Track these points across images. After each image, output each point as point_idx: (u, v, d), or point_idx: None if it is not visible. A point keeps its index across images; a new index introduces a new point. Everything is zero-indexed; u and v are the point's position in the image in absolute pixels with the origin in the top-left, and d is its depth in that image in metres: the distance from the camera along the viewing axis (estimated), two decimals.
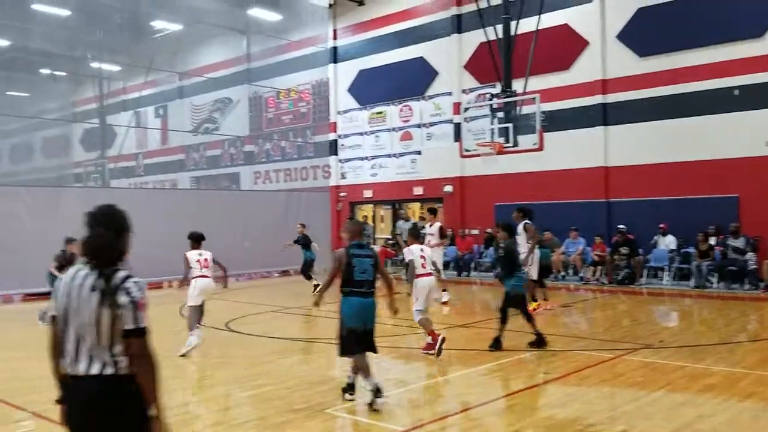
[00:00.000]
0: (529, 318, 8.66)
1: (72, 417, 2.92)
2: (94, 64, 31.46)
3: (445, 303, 12.99)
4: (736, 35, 15.43)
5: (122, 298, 2.87)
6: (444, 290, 13.17)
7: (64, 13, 24.58)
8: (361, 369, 6.26)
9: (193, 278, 8.98)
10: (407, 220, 20.61)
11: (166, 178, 30.42)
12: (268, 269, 20.62)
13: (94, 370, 2.84)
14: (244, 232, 19.76)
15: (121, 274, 2.93)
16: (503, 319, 8.59)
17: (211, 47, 28.36)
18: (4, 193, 16.67)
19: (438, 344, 8.10)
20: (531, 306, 10.20)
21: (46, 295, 15.51)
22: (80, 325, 2.87)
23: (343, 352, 6.36)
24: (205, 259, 9.06)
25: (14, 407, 6.42)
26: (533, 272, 11.54)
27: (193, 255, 9.03)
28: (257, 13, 24.50)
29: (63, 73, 32.08)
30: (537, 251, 11.77)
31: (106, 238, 2.97)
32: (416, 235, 8.96)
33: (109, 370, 2.85)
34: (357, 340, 6.23)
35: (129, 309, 2.87)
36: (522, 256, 10.43)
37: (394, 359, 8.58)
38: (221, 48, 28.05)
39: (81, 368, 2.86)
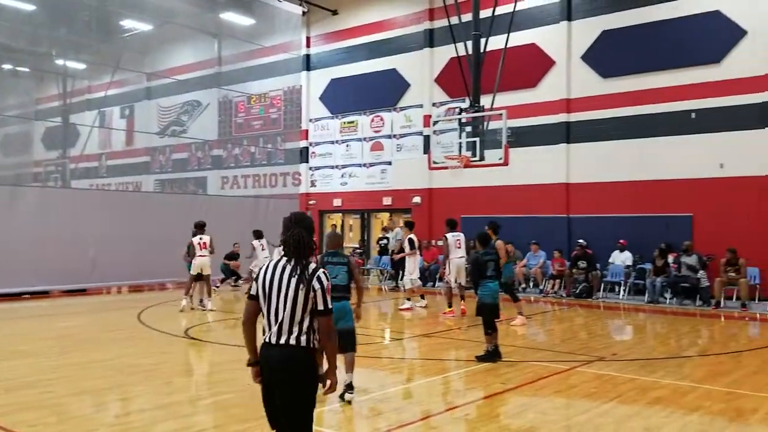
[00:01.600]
0: (490, 330, 8.82)
1: (267, 376, 3.70)
2: (59, 61, 30.93)
3: (424, 307, 14.21)
4: (695, 61, 16.05)
5: (315, 285, 3.64)
6: (421, 296, 14.56)
7: (29, 7, 24.11)
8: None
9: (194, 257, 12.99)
10: (392, 229, 20.93)
11: (130, 180, 30.04)
12: (234, 276, 20.56)
13: (290, 340, 3.62)
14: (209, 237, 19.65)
15: (313, 265, 3.70)
16: (488, 330, 8.75)
17: (181, 49, 28.14)
18: None
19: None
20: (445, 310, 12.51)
21: (12, 296, 15.39)
22: (280, 304, 3.62)
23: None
24: (203, 242, 13.14)
25: None
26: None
27: (195, 239, 13.02)
28: (230, 17, 24.49)
29: (26, 69, 31.47)
30: (458, 261, 13.34)
31: (303, 237, 3.73)
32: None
33: (298, 341, 3.61)
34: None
35: (320, 293, 3.65)
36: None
37: (356, 368, 8.75)
38: (191, 50, 27.86)
39: (277, 338, 3.63)
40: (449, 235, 13.32)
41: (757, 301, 14.59)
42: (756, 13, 15.29)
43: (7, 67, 30.33)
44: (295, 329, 3.62)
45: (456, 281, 13.28)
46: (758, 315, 13.56)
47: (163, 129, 29.15)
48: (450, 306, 13.22)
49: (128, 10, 24.74)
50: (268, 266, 3.75)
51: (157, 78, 28.78)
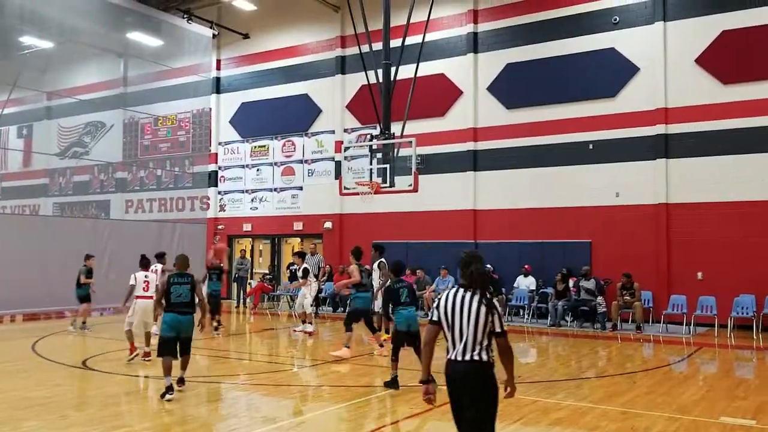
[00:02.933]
0: (395, 358, 8.75)
1: (454, 387, 4.34)
2: None
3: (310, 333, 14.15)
4: (592, 94, 16.99)
5: (495, 311, 4.33)
6: (309, 323, 14.44)
7: None
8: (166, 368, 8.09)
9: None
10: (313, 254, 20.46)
11: (27, 202, 28.49)
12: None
13: (474, 356, 4.27)
14: (111, 262, 18.91)
15: (489, 295, 4.38)
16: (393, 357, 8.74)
17: (85, 68, 27.08)
18: None
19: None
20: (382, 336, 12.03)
21: None
22: (466, 327, 4.30)
23: (159, 353, 8.27)
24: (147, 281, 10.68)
25: None
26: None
27: (140, 275, 10.76)
28: (137, 37, 23.82)
29: None
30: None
31: (484, 272, 4.47)
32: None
33: (480, 356, 4.27)
34: (168, 346, 8.17)
35: (497, 319, 4.34)
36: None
37: (264, 396, 8.60)
38: (96, 70, 26.87)
39: (462, 355, 4.28)
40: (382, 261, 13.01)
41: (650, 323, 15.42)
42: (647, 51, 16.39)
43: None
44: (477, 347, 4.28)
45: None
46: (652, 337, 14.33)
47: (63, 150, 27.86)
48: (380, 329, 12.88)
49: (28, 26, 23.62)
50: (448, 296, 4.42)
51: (58, 97, 27.58)
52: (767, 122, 14.98)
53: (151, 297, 10.21)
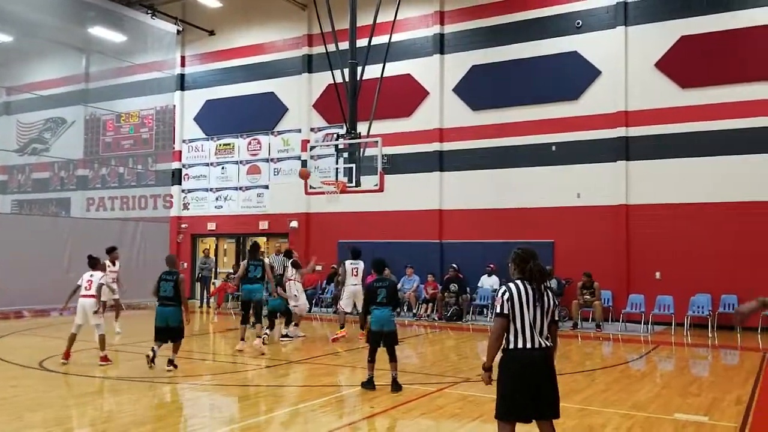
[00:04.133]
0: (371, 359, 8.66)
1: (530, 372, 4.68)
2: None
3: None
4: (556, 97, 17.25)
5: (553, 301, 4.85)
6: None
7: None
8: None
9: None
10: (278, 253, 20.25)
11: None
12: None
13: (543, 343, 4.72)
14: (71, 261, 18.57)
15: (547, 288, 4.85)
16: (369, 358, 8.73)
17: (45, 63, 26.53)
18: None
19: None
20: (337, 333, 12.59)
21: None
22: (539, 317, 4.71)
23: (154, 339, 9.83)
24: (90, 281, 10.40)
25: None
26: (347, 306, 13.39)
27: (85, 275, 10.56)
28: (99, 32, 23.40)
29: None
30: (352, 288, 13.44)
31: (542, 267, 4.87)
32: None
33: (547, 343, 4.75)
34: (160, 333, 9.77)
35: (556, 308, 4.88)
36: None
37: (226, 396, 8.56)
38: (57, 65, 26.34)
39: (535, 343, 4.69)
40: (347, 262, 13.58)
41: (610, 322, 15.71)
42: (609, 55, 16.70)
43: None
44: (544, 335, 4.74)
45: (354, 307, 13.47)
46: (611, 335, 14.60)
47: (22, 146, 27.25)
48: (342, 327, 13.29)
49: None
50: (518, 290, 4.73)
51: (18, 92, 26.97)
52: (724, 126, 15.40)
53: (92, 296, 10.16)
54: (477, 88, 18.27)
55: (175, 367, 9.66)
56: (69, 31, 24.50)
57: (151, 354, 9.63)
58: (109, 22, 22.95)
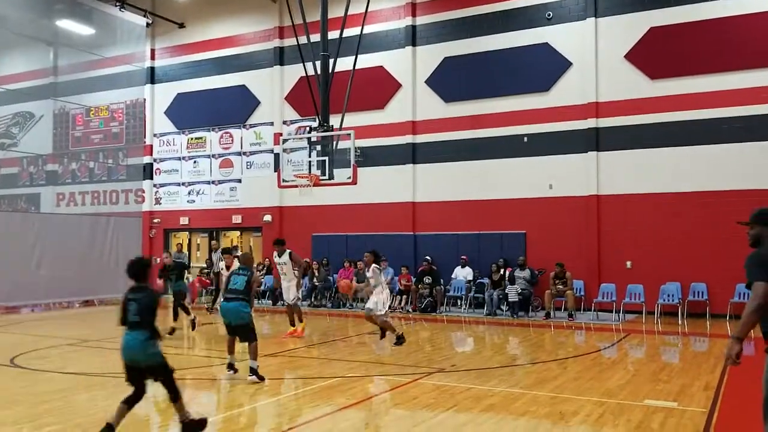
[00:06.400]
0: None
1: None
2: None
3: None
4: (527, 89, 17.35)
5: None
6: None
7: None
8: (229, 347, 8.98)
9: None
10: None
11: None
12: (68, 299, 19.23)
13: None
14: (41, 258, 18.33)
15: None
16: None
17: (12, 56, 26.03)
18: None
19: None
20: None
21: None
22: None
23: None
24: None
25: None
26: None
27: None
28: (67, 24, 23.00)
29: None
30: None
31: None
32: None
33: None
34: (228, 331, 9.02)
35: None
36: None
37: (198, 390, 8.52)
38: (23, 58, 25.86)
39: None
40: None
41: (582, 311, 15.92)
42: (580, 46, 16.85)
43: None
44: None
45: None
46: (583, 324, 14.80)
47: None
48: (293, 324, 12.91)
49: None
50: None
51: None
52: (693, 116, 15.63)
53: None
54: (449, 80, 18.32)
55: (261, 379, 8.61)
56: (36, 24, 24.06)
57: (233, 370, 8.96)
58: (77, 15, 22.57)
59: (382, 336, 11.28)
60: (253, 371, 8.53)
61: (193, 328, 13.19)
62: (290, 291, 12.77)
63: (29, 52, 25.62)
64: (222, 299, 9.29)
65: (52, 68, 25.10)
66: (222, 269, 13.14)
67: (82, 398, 8.14)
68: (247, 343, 8.75)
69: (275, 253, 13.12)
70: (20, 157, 25.71)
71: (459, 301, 17.08)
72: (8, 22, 23.53)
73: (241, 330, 8.78)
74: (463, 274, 17.33)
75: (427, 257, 17.32)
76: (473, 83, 17.91)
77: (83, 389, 8.68)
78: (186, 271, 14.21)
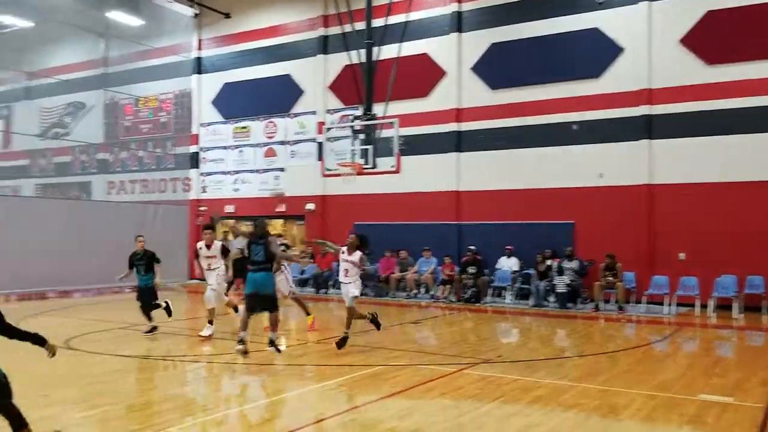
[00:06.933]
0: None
1: None
2: None
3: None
4: (576, 75, 16.92)
5: None
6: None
7: None
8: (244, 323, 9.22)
9: None
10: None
11: (6, 184, 28.18)
12: (119, 285, 19.62)
13: None
14: (93, 244, 18.79)
15: None
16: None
17: (65, 48, 26.75)
18: None
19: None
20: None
21: None
22: None
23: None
24: None
25: None
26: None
27: None
28: (117, 16, 23.45)
29: None
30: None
31: None
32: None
33: None
34: (250, 302, 9.19)
35: None
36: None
37: (247, 375, 8.56)
38: (76, 49, 26.54)
39: None
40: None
41: (633, 304, 15.51)
42: (631, 31, 16.33)
43: None
44: None
45: None
46: (634, 317, 14.42)
47: (44, 131, 27.55)
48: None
49: (5, 6, 23.20)
50: None
51: (38, 77, 27.21)
52: (750, 103, 14.99)
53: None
54: (496, 67, 17.99)
55: (279, 351, 9.19)
56: (87, 16, 24.62)
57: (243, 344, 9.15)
58: (126, 6, 23.02)
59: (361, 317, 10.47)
60: (273, 343, 9.01)
61: (150, 331, 11.45)
62: (282, 284, 11.52)
63: (81, 44, 26.26)
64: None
65: (103, 59, 25.69)
66: (201, 248, 11.25)
67: (133, 380, 8.29)
68: (267, 313, 9.18)
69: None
70: (72, 146, 26.41)
71: (503, 292, 16.83)
72: (61, 14, 24.16)
73: (268, 299, 9.13)
74: (508, 264, 17.06)
75: (471, 246, 17.10)
76: (520, 70, 17.55)
77: (134, 371, 8.85)
78: (155, 262, 11.44)
